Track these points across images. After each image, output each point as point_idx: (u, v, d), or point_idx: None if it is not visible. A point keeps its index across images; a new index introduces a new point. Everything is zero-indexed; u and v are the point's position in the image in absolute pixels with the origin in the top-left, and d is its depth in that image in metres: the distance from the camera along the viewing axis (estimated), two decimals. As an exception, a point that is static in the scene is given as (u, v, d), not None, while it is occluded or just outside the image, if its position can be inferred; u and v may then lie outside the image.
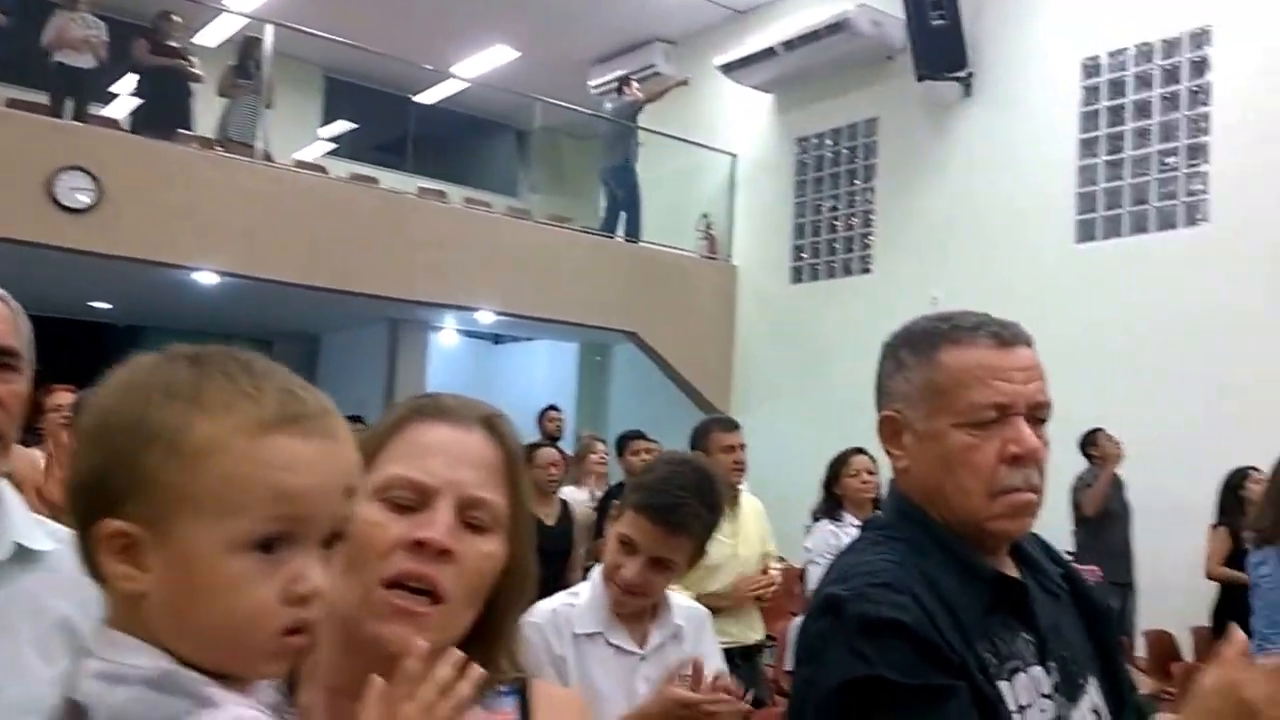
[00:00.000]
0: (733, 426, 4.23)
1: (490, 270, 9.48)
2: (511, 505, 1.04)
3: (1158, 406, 7.27)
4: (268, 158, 8.89)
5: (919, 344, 1.29)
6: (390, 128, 13.69)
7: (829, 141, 10.41)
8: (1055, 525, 6.35)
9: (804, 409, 9.31)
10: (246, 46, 9.17)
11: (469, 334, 13.23)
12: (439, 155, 13.74)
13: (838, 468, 4.82)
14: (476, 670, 0.91)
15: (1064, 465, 6.71)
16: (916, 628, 1.12)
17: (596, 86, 12.27)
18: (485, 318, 10.59)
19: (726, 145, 11.20)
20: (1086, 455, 6.77)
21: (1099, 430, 6.76)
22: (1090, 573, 5.33)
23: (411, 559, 0.96)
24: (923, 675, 1.09)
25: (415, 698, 0.87)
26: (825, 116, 10.33)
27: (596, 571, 2.11)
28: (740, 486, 4.18)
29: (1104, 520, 6.60)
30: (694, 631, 2.14)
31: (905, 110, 9.54)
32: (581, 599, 2.06)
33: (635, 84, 10.88)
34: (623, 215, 10.63)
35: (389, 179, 10.99)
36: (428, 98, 12.78)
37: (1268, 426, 5.22)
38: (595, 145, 12.43)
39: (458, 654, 0.91)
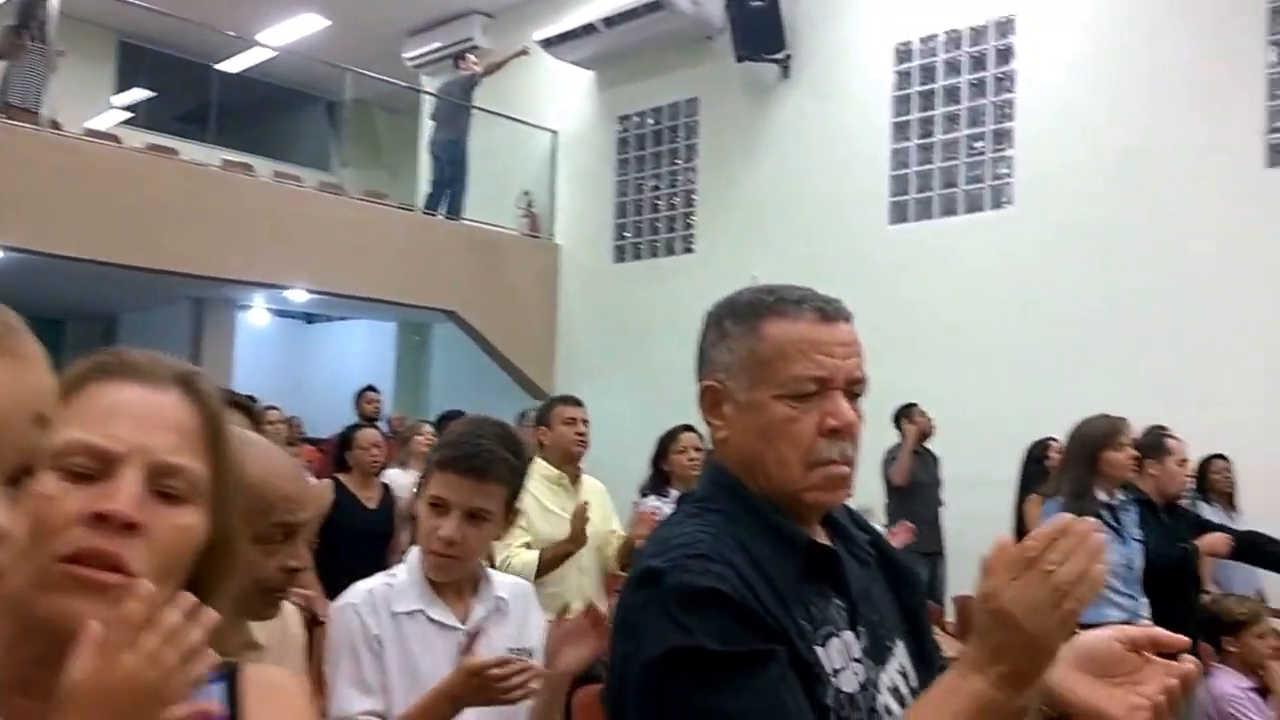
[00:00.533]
0: (576, 402, 4.26)
1: (301, 247, 9.13)
2: (214, 473, 0.93)
3: (966, 382, 7.59)
4: (55, 126, 8.29)
5: (743, 315, 1.29)
6: (191, 97, 12.91)
7: (650, 120, 10.41)
8: (870, 496, 6.54)
9: (628, 388, 9.32)
10: (29, 5, 8.43)
11: (280, 313, 12.74)
12: (245, 127, 13.10)
13: (666, 444, 4.84)
14: (210, 615, 0.82)
15: (881, 440, 6.92)
16: (735, 596, 1.11)
17: (412, 59, 11.91)
18: (297, 296, 10.20)
19: (547, 122, 11.06)
20: (900, 429, 7.00)
21: (913, 405, 7.00)
22: (903, 529, 5.50)
23: (92, 534, 0.85)
24: (742, 641, 1.09)
25: (137, 646, 0.78)
26: (646, 95, 10.33)
27: (414, 551, 2.06)
28: (581, 465, 4.20)
29: (913, 491, 6.84)
30: (519, 605, 2.10)
31: (725, 91, 9.63)
32: (400, 578, 2.02)
33: (472, 57, 10.59)
34: (447, 191, 10.35)
35: (190, 150, 10.37)
36: (231, 66, 12.11)
37: (1068, 399, 5.48)
38: (411, 119, 12.10)
39: (189, 597, 0.82)
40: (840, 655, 1.20)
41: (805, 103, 9.12)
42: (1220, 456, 6.11)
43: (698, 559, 1.15)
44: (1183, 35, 7.23)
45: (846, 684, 1.19)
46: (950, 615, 6.45)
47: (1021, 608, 1.00)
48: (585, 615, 1.96)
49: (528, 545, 3.79)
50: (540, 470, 4.09)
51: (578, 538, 3.79)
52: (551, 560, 3.76)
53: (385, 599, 1.97)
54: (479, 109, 10.53)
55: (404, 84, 11.46)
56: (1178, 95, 7.19)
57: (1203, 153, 7.04)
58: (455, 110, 10.39)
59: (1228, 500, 6.09)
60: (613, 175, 10.63)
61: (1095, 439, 4.12)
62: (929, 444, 7.07)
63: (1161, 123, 7.23)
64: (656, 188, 10.33)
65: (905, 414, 7.00)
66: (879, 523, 6.05)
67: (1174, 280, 7.04)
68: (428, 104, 11.30)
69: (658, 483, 4.81)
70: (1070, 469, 4.19)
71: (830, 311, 1.27)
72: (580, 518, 3.80)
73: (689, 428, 4.72)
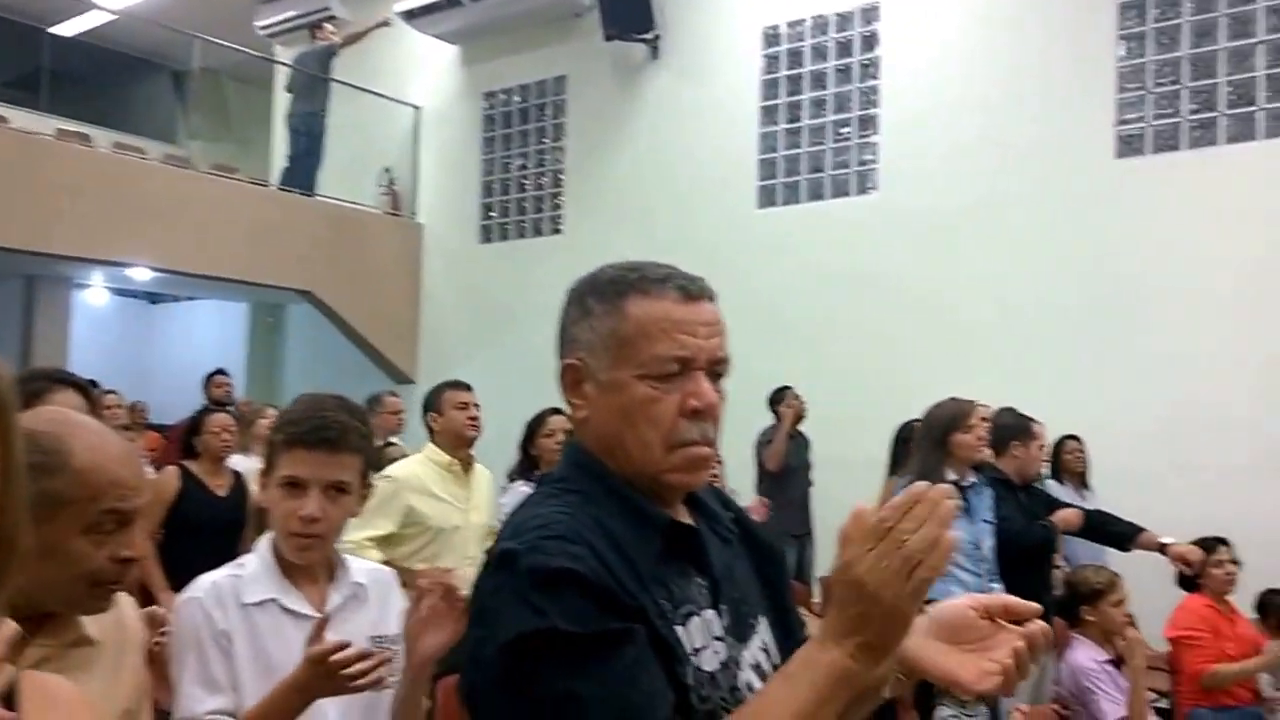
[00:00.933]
0: (467, 387, 4.23)
1: (145, 222, 8.65)
2: None
3: (836, 364, 7.69)
4: None
5: (606, 292, 1.26)
6: (21, 61, 12.14)
7: (517, 98, 10.22)
8: (743, 479, 6.54)
9: (496, 371, 9.09)
10: None
11: (121, 292, 12.15)
12: (82, 94, 12.39)
13: (533, 428, 4.80)
14: (8, 627, 0.75)
15: (753, 423, 6.93)
16: (591, 576, 1.10)
17: (265, 27, 11.39)
18: (140, 274, 9.69)
19: (410, 97, 10.75)
20: (775, 412, 7.02)
21: (787, 388, 7.03)
22: (760, 506, 5.53)
23: None
24: (598, 623, 1.08)
25: None
26: (513, 71, 10.13)
27: (264, 539, 1.98)
28: (472, 452, 4.15)
29: (784, 474, 6.88)
30: (379, 592, 2.02)
31: (594, 69, 9.50)
32: (249, 568, 1.93)
33: (329, 27, 10.16)
34: (303, 166, 9.92)
35: (20, 118, 9.70)
36: (66, 30, 11.36)
37: (933, 380, 5.57)
38: (264, 90, 11.59)
39: None
40: (701, 634, 1.19)
41: (674, 84, 9.07)
42: (1073, 437, 6.31)
43: (554, 540, 1.13)
44: (1039, 28, 7.44)
45: (707, 662, 1.18)
46: (818, 596, 6.51)
47: (877, 578, 1.00)
48: (443, 597, 1.89)
49: (376, 542, 3.68)
50: (431, 456, 4.07)
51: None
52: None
53: (233, 590, 1.88)
54: (338, 82, 10.14)
55: (256, 53, 10.94)
56: (1033, 86, 7.40)
57: (1057, 142, 7.27)
58: (312, 82, 9.99)
59: (1079, 480, 6.30)
60: (478, 153, 10.40)
61: (944, 422, 4.21)
62: (801, 426, 7.11)
63: (1018, 112, 7.43)
64: (524, 167, 10.15)
65: (779, 398, 7.03)
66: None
67: (1029, 266, 7.25)
68: (282, 75, 10.83)
69: (526, 467, 4.74)
70: (921, 451, 4.25)
71: (694, 290, 1.25)
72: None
73: (557, 411, 4.64)
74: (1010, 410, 4.82)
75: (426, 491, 3.88)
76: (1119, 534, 4.77)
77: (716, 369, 1.25)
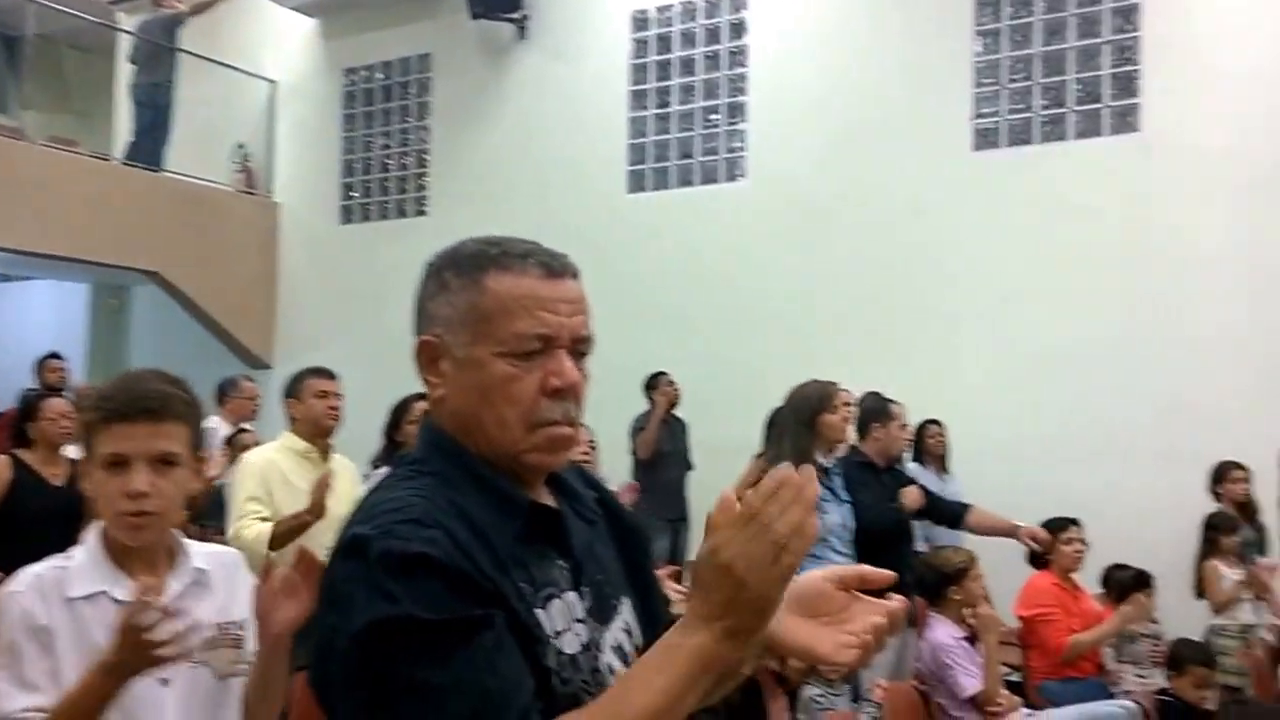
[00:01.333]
0: (329, 374, 4.13)
1: (-27, 196, 8.05)
2: None
3: (707, 350, 7.73)
4: None
5: (465, 266, 1.23)
6: None
7: (380, 75, 9.96)
8: (618, 467, 6.51)
9: (358, 356, 8.80)
10: None
11: (-55, 272, 11.28)
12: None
13: (398, 414, 4.70)
14: None
15: (625, 409, 6.91)
16: (447, 561, 1.07)
17: (109, -7, 10.78)
18: (-32, 252, 9.00)
19: (265, 70, 10.36)
20: (650, 398, 7.00)
21: (661, 374, 7.04)
22: (628, 490, 5.54)
23: None
24: (454, 608, 1.06)
25: None
26: (375, 48, 9.87)
27: (92, 529, 1.87)
28: (331, 440, 4.06)
29: (659, 459, 6.89)
30: (224, 575, 1.92)
31: (460, 49, 9.32)
32: (76, 559, 1.82)
33: None
34: (149, 140, 9.42)
35: None
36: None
37: (802, 365, 5.61)
38: (106, 60, 10.97)
39: None
40: (562, 617, 1.18)
41: (543, 65, 8.96)
42: (934, 421, 6.49)
43: (408, 524, 1.09)
44: (900, 22, 7.62)
45: (568, 645, 1.17)
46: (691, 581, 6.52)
47: (744, 562, 1.00)
48: (295, 567, 1.81)
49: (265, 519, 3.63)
50: (288, 443, 3.98)
51: (316, 509, 3.63)
52: (287, 532, 3.60)
53: (57, 584, 1.77)
54: (185, 52, 9.66)
55: (96, 20, 10.34)
56: (895, 78, 7.57)
57: (918, 134, 7.46)
58: (156, 52, 9.47)
59: (940, 463, 6.49)
60: (339, 131, 10.10)
61: (812, 403, 4.28)
62: (676, 411, 7.12)
63: (880, 104, 7.59)
64: (386, 146, 9.91)
65: (654, 384, 7.02)
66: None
67: (892, 254, 7.42)
68: (125, 44, 10.27)
69: (390, 454, 4.60)
70: (790, 433, 4.30)
71: (557, 267, 1.23)
72: (320, 487, 3.65)
73: (422, 396, 4.48)
74: (872, 394, 4.93)
75: (284, 480, 3.79)
76: (952, 514, 4.93)
77: (580, 348, 1.23)
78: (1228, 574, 5.28)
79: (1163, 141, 6.75)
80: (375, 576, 1.06)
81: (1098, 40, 7.09)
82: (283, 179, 10.37)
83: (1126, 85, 6.96)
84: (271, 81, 10.36)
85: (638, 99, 8.57)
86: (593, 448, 4.71)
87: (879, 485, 4.66)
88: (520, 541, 1.17)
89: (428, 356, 1.24)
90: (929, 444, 6.44)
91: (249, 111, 10.42)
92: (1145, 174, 6.76)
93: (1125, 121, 6.95)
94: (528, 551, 1.18)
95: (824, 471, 4.21)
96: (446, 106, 9.51)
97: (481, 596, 1.08)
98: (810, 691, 3.79)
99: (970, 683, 4.18)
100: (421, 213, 9.59)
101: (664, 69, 8.51)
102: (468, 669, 1.04)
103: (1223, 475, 5.79)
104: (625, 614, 1.29)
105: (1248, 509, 5.64)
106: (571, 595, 1.21)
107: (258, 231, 10.16)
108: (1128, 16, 6.98)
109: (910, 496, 4.67)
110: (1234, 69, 6.55)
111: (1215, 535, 5.39)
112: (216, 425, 6.41)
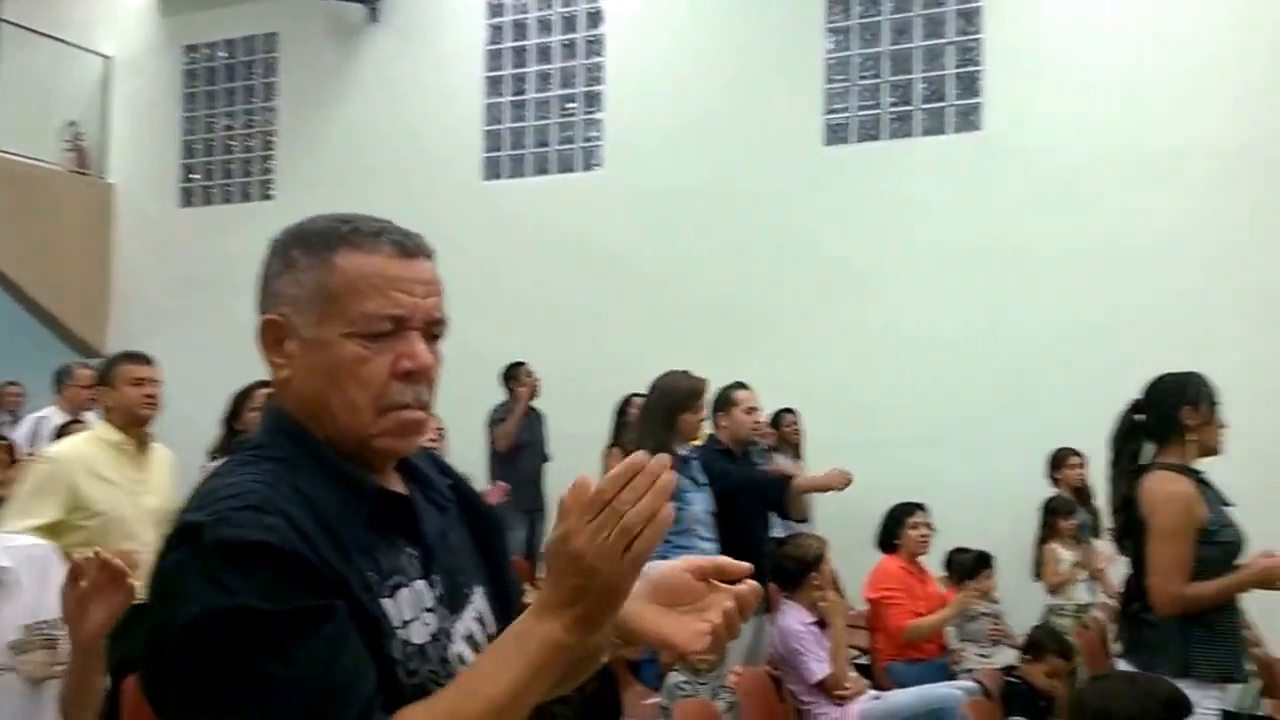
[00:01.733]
0: (145, 360, 3.83)
1: None
2: None
3: (562, 339, 7.69)
4: None
5: (314, 244, 1.18)
6: None
7: (223, 53, 9.57)
8: (473, 457, 6.42)
9: (198, 343, 8.49)
10: None
11: None
12: None
13: (240, 402, 4.63)
14: None
15: (479, 398, 6.81)
16: (287, 549, 1.04)
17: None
18: None
19: (98, 45, 9.82)
20: (509, 389, 6.91)
21: (521, 365, 6.95)
22: (497, 490, 5.48)
23: None
24: (293, 599, 1.02)
25: None
26: (218, 25, 9.49)
27: None
28: (150, 431, 3.81)
29: (516, 451, 6.82)
30: (33, 572, 1.83)
31: (309, 29, 9.05)
32: None
33: None
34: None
35: None
36: None
37: (655, 355, 5.62)
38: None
39: None
40: (411, 606, 1.15)
41: (396, 49, 8.76)
42: (789, 410, 6.61)
43: (245, 511, 1.05)
44: (754, 15, 7.73)
45: (417, 635, 1.14)
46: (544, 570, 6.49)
47: (595, 549, 1.00)
48: (99, 570, 1.73)
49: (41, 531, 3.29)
50: (100, 434, 3.73)
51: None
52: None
53: None
54: (6, 23, 9.08)
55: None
56: (750, 72, 7.68)
57: (772, 128, 7.58)
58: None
59: (795, 450, 6.62)
60: (179, 110, 9.67)
61: (677, 400, 4.31)
62: (534, 402, 7.05)
63: (735, 96, 7.69)
64: (230, 127, 9.53)
65: (513, 375, 6.92)
66: (481, 486, 5.96)
67: (746, 246, 7.52)
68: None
69: (230, 443, 4.50)
70: (652, 425, 4.32)
71: (410, 246, 1.18)
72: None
73: (266, 383, 4.33)
74: (722, 388, 4.95)
75: (94, 473, 3.51)
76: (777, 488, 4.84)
77: (433, 330, 1.19)
78: (1065, 555, 5.50)
79: (1002, 141, 7.02)
80: (209, 566, 1.02)
81: (942, 41, 7.33)
82: (118, 160, 9.86)
83: (969, 85, 7.21)
84: (106, 57, 9.84)
85: (493, 85, 8.46)
86: (441, 434, 4.64)
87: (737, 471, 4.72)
88: (368, 529, 1.14)
89: (272, 336, 1.19)
90: (784, 432, 6.57)
91: (81, 88, 9.87)
92: (986, 172, 7.03)
93: (968, 120, 7.21)
94: (376, 539, 1.15)
95: (682, 460, 4.23)
96: (294, 88, 9.20)
97: (323, 587, 1.05)
98: (675, 679, 3.82)
99: (819, 668, 4.27)
100: (268, 196, 9.27)
101: (520, 55, 8.43)
102: (308, 662, 1.01)
103: (1060, 461, 5.98)
104: (478, 602, 1.27)
105: (1083, 493, 5.81)
106: (421, 584, 1.18)
107: (90, 214, 9.64)
108: (970, 19, 7.23)
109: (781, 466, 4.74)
110: (1071, 73, 6.85)
111: (1053, 519, 5.57)
112: (50, 414, 6.12)
